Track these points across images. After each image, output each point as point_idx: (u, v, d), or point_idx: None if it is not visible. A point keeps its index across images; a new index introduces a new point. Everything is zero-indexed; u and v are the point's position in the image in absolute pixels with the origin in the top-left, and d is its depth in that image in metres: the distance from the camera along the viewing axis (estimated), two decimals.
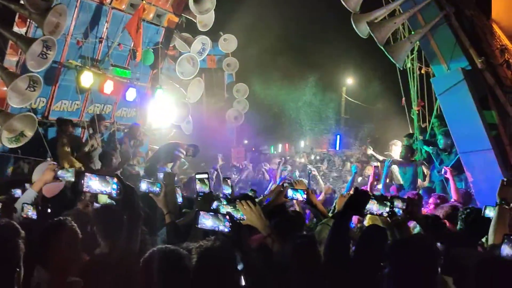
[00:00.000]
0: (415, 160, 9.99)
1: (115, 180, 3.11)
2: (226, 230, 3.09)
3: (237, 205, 3.33)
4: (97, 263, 3.24)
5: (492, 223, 3.79)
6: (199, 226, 3.16)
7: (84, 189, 3.12)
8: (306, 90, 24.94)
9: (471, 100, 7.87)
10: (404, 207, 4.37)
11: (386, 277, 3.13)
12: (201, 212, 3.18)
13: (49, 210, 4.23)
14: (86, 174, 3.13)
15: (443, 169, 8.28)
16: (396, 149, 11.96)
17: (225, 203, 3.49)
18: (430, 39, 8.51)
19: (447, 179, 8.85)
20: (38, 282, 2.95)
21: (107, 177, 3.14)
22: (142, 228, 3.69)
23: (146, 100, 11.95)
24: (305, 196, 4.46)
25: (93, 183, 3.10)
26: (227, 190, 5.20)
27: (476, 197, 7.60)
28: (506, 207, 3.84)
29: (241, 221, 3.32)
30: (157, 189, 4.01)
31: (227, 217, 3.13)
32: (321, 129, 28.41)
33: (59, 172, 4.74)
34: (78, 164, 8.96)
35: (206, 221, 3.14)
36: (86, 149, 9.82)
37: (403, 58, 8.80)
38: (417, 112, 10.70)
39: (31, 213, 4.11)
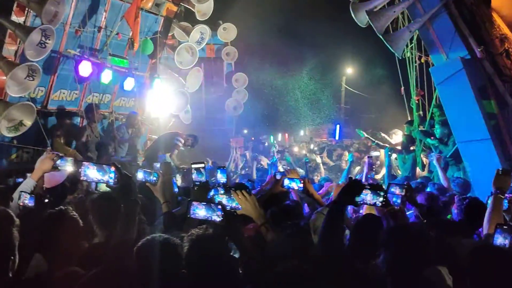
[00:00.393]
0: (414, 150, 10.02)
1: (113, 168, 3.13)
2: (219, 219, 3.12)
3: (232, 194, 3.35)
4: (94, 252, 3.25)
5: (487, 212, 3.79)
6: (192, 216, 3.18)
7: (82, 178, 3.15)
8: (306, 79, 24.90)
9: (470, 89, 7.88)
10: (402, 193, 4.41)
11: (381, 264, 3.16)
12: (194, 203, 3.20)
13: (46, 200, 4.23)
14: (84, 163, 3.15)
15: (432, 156, 8.31)
16: (397, 138, 12.00)
17: (222, 192, 3.49)
18: (430, 28, 8.49)
19: (446, 167, 8.90)
20: (37, 272, 2.96)
21: (104, 165, 3.16)
22: (141, 217, 3.71)
23: (144, 90, 11.93)
24: (301, 185, 4.48)
25: (90, 172, 3.12)
26: (223, 179, 5.22)
27: (474, 186, 7.62)
28: (501, 196, 3.85)
29: (236, 211, 3.34)
30: (154, 178, 4.02)
31: (219, 206, 3.15)
32: (320, 118, 28.41)
33: (58, 162, 4.75)
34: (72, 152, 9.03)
35: (199, 211, 3.17)
36: (83, 139, 9.85)
37: (402, 47, 8.78)
38: (416, 101, 10.68)
39: (28, 202, 4.11)
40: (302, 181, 4.50)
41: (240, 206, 3.32)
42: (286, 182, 4.49)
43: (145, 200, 4.27)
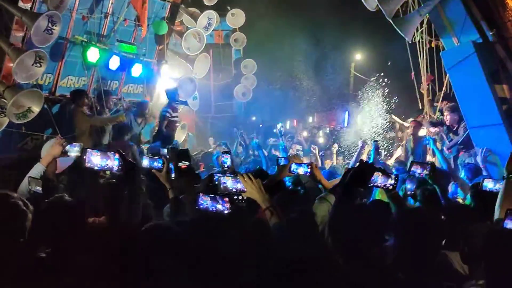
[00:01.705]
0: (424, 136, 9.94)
1: (117, 155, 3.14)
2: (226, 211, 3.14)
3: (238, 177, 3.33)
4: (97, 235, 3.26)
5: (499, 197, 3.69)
6: (200, 207, 3.22)
7: (86, 165, 3.16)
8: (315, 65, 24.72)
9: (482, 73, 7.77)
10: (427, 172, 4.38)
11: (391, 249, 3.13)
12: (200, 194, 3.25)
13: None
14: (88, 150, 3.16)
15: (428, 139, 8.25)
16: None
17: (227, 174, 3.49)
18: (440, 12, 8.36)
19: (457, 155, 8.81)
20: (41, 256, 2.95)
21: (108, 152, 3.16)
22: (147, 202, 3.70)
23: (152, 76, 11.89)
24: (308, 169, 4.44)
25: (94, 159, 3.14)
26: (227, 163, 5.22)
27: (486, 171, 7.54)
28: None
29: (241, 198, 3.33)
30: (159, 165, 4.02)
31: (226, 199, 3.16)
32: (329, 105, 28.26)
33: (68, 147, 4.76)
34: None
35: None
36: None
37: (412, 32, 8.67)
38: (426, 86, 10.58)
39: (36, 188, 4.12)
40: (309, 166, 4.47)
41: (245, 189, 3.30)
42: (294, 167, 4.46)
43: (153, 185, 4.27)
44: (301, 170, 4.47)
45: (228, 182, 3.38)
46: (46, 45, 7.97)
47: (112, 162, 3.14)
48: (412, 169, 4.51)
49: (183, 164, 4.01)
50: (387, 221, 3.46)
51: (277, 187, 4.53)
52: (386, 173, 3.72)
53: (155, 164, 4.02)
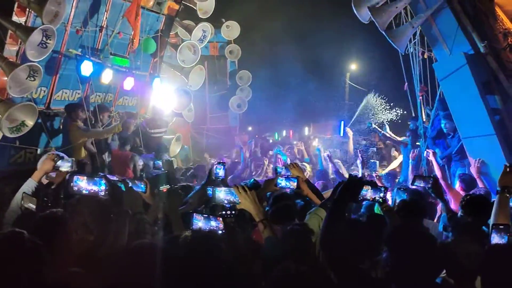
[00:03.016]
0: (419, 145, 9.96)
1: (103, 180, 3.17)
2: (220, 231, 3.15)
3: (233, 190, 3.34)
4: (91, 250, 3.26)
5: (493, 211, 3.68)
6: (193, 227, 3.20)
7: (74, 189, 3.18)
8: (310, 76, 24.79)
9: (474, 84, 7.81)
10: (428, 185, 4.40)
11: (384, 262, 3.13)
12: (194, 214, 3.27)
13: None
14: (74, 175, 3.21)
15: (425, 152, 8.28)
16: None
17: (222, 186, 3.50)
18: (432, 24, 8.42)
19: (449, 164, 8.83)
20: None
21: (95, 177, 3.21)
22: (143, 217, 3.70)
23: (147, 89, 11.91)
24: (294, 184, 4.41)
25: (81, 183, 3.17)
26: (221, 173, 5.21)
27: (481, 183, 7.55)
28: (508, 195, 3.71)
29: (236, 205, 3.33)
30: (142, 186, 4.04)
31: (219, 219, 3.18)
32: (324, 115, 28.29)
33: (59, 162, 4.75)
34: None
35: (199, 223, 3.24)
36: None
37: (405, 43, 8.71)
38: (420, 97, 10.61)
39: (28, 205, 4.11)
40: (295, 181, 4.44)
41: (239, 201, 3.31)
42: (279, 181, 4.43)
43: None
44: (286, 184, 4.45)
45: (223, 194, 3.39)
46: (41, 59, 7.97)
47: (98, 187, 3.17)
48: (415, 183, 4.52)
49: (164, 188, 4.08)
50: (380, 234, 3.47)
51: (282, 200, 4.53)
52: (376, 185, 3.74)
53: (138, 187, 4.03)
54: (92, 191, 3.21)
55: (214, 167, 5.29)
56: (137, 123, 11.19)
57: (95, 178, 3.22)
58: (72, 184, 3.19)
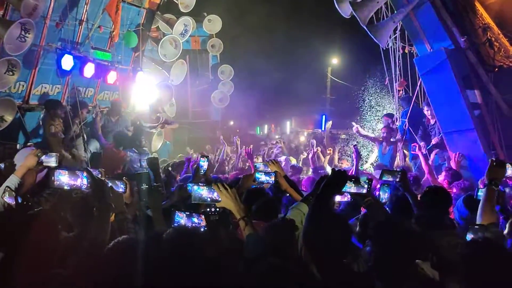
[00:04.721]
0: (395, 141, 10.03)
1: (85, 173, 3.13)
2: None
3: (213, 187, 3.31)
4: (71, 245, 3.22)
5: (480, 204, 3.73)
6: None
7: (55, 183, 3.14)
8: (291, 70, 24.86)
9: (454, 79, 7.91)
10: (396, 179, 4.42)
11: (367, 256, 3.16)
12: (177, 212, 3.27)
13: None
14: (56, 169, 3.16)
15: (412, 146, 8.35)
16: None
17: (202, 184, 3.47)
18: (413, 19, 8.49)
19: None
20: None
21: (77, 171, 3.15)
22: (126, 216, 3.67)
23: (128, 83, 11.80)
24: (272, 179, 4.43)
25: (63, 178, 3.13)
26: (205, 165, 5.24)
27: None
28: (494, 188, 3.77)
29: (216, 203, 3.32)
30: (122, 187, 3.99)
31: (202, 216, 3.17)
32: (306, 109, 28.42)
33: (43, 157, 4.68)
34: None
35: (182, 220, 3.21)
36: (70, 134, 9.65)
37: (386, 38, 8.77)
38: (399, 91, 10.72)
39: (9, 199, 4.04)
40: (273, 175, 4.45)
41: (220, 199, 3.29)
42: (258, 175, 4.45)
43: None
44: (264, 179, 4.46)
45: (203, 192, 3.37)
46: (19, 53, 7.85)
47: (80, 181, 3.13)
48: (383, 178, 4.54)
49: (144, 187, 4.07)
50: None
51: (256, 195, 4.52)
52: (358, 182, 3.75)
53: (118, 187, 3.98)
54: (74, 185, 3.16)
55: (199, 159, 5.33)
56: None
57: (77, 172, 3.16)
58: (53, 178, 3.13)
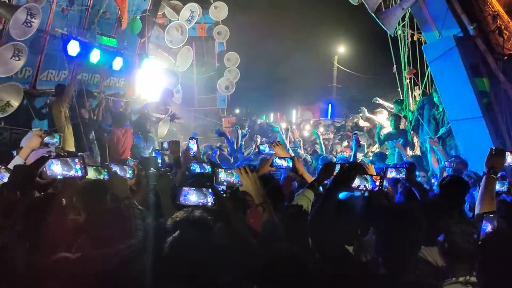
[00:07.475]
0: (404, 129, 9.99)
1: (77, 161, 3.09)
2: (210, 204, 3.06)
3: (235, 171, 3.28)
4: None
5: (479, 193, 3.72)
6: (182, 202, 3.10)
7: (48, 174, 3.08)
8: (298, 58, 24.76)
9: (462, 67, 7.82)
10: (400, 175, 4.40)
11: (372, 243, 3.13)
12: (185, 188, 3.14)
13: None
14: (49, 159, 3.08)
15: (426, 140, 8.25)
16: (381, 117, 12.03)
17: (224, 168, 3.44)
18: (422, 6, 8.40)
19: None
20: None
21: (69, 159, 3.10)
22: (132, 202, 3.64)
23: (134, 69, 11.77)
24: (291, 164, 4.40)
25: (55, 168, 3.06)
26: (194, 149, 5.33)
27: None
28: (494, 176, 3.75)
29: (238, 187, 3.28)
30: (130, 172, 3.95)
31: (211, 190, 3.10)
32: (312, 97, 28.33)
33: (46, 138, 4.67)
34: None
35: (190, 197, 3.11)
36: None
37: (394, 25, 8.70)
38: (408, 79, 10.64)
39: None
40: (292, 160, 4.44)
41: (241, 182, 3.25)
42: (276, 161, 4.42)
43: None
44: (283, 163, 4.43)
45: (222, 175, 3.34)
46: (25, 38, 7.82)
47: (74, 170, 3.08)
48: (387, 174, 4.51)
49: (152, 171, 4.01)
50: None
51: (265, 181, 4.50)
52: (362, 175, 3.74)
53: (124, 174, 3.93)
54: (68, 175, 3.09)
55: (188, 142, 5.37)
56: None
57: (69, 161, 3.08)
58: (45, 169, 3.04)
